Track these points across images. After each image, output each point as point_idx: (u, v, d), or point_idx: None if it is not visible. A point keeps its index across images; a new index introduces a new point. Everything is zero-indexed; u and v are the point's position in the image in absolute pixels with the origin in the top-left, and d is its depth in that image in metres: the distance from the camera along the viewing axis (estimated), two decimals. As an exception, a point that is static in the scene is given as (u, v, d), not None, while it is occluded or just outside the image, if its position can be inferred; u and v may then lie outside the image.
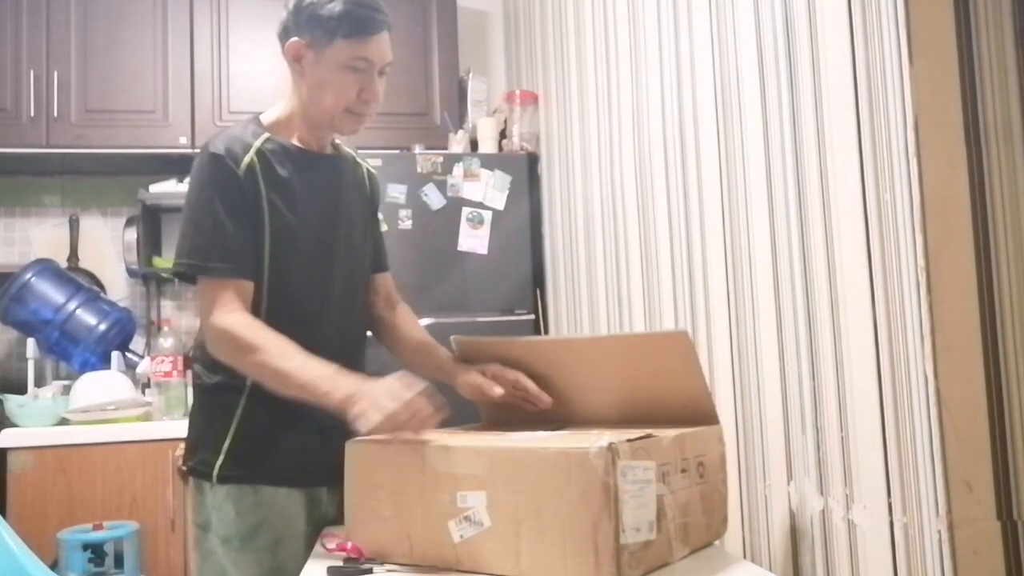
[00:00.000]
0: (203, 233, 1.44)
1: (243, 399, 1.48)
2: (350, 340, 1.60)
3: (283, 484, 1.48)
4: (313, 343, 1.42)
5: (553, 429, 1.39)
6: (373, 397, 1.27)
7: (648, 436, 1.17)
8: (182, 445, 2.70)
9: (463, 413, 1.66)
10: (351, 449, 1.31)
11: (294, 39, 1.48)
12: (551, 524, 1.11)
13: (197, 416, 1.58)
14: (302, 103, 1.52)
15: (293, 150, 1.52)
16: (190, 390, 3.02)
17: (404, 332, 1.70)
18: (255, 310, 1.46)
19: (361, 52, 1.45)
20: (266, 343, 1.39)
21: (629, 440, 1.12)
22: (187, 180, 3.18)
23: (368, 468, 1.29)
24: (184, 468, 1.56)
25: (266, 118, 1.55)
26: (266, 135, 1.50)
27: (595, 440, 1.10)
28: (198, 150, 3.45)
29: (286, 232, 1.48)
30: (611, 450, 1.08)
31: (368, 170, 1.71)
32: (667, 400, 1.36)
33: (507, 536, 1.14)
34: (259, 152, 1.47)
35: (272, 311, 1.48)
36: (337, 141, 1.65)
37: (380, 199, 1.77)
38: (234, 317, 1.42)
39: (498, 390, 1.47)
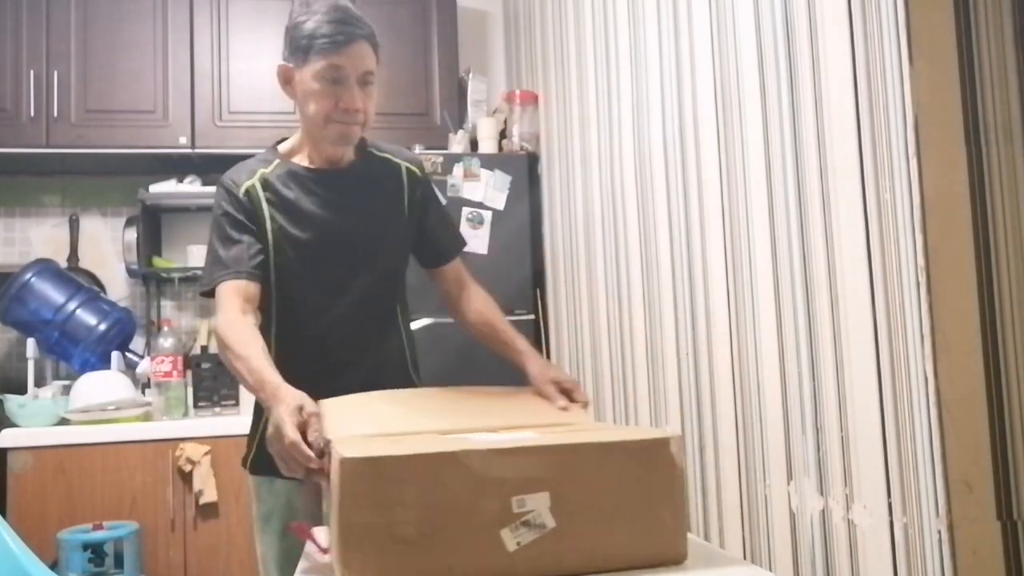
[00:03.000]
0: (212, 251, 1.58)
1: None
2: (366, 339, 1.65)
3: (290, 477, 1.52)
4: (323, 344, 1.59)
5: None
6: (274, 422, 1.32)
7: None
8: (182, 445, 2.74)
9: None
10: (349, 465, 1.06)
11: (281, 63, 1.58)
12: (623, 513, 1.11)
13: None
14: (302, 123, 1.61)
15: (300, 171, 1.62)
16: (190, 390, 3.04)
17: (467, 315, 1.77)
18: (266, 315, 1.61)
19: (334, 62, 1.51)
20: (234, 339, 1.47)
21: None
22: (187, 180, 3.21)
23: (382, 485, 1.08)
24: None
25: (283, 146, 1.67)
26: (276, 162, 1.63)
27: (652, 432, 1.09)
28: (198, 150, 3.44)
29: (291, 245, 1.58)
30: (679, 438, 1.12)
31: (407, 167, 1.72)
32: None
33: (574, 533, 1.12)
34: (263, 178, 1.60)
35: (281, 319, 1.62)
36: (370, 147, 1.69)
37: (430, 193, 1.78)
38: (224, 317, 1.52)
39: (562, 403, 1.45)
